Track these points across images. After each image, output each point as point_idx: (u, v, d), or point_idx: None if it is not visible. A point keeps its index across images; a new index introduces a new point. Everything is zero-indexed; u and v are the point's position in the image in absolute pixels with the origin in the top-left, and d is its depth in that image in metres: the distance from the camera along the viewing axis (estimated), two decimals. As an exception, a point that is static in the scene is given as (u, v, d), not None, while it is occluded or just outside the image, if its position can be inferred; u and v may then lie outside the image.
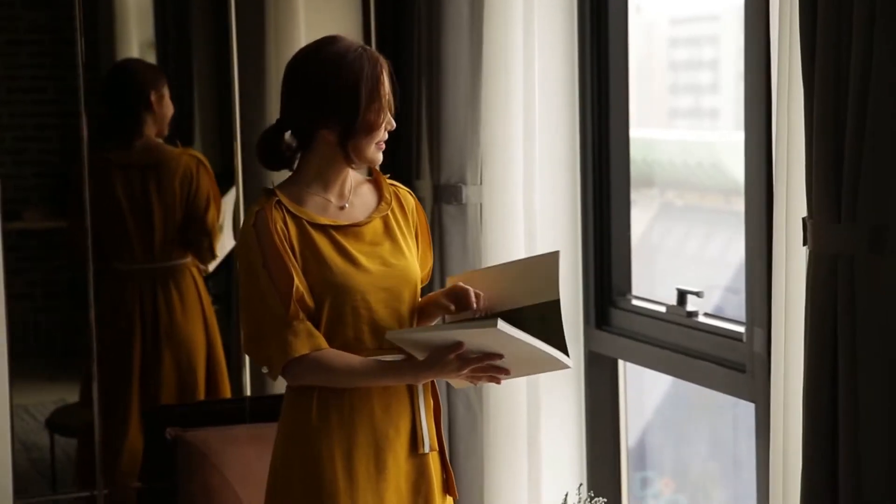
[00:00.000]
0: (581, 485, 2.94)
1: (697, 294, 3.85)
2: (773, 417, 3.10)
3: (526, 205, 4.06)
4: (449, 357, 2.91)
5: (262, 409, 4.08)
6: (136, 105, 4.76)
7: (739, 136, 3.48)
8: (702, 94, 4.87)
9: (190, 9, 5.11)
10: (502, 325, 2.79)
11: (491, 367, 2.93)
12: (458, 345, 2.90)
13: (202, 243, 4.79)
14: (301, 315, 2.96)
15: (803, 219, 2.82)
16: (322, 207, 3.05)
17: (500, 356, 2.91)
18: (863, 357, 2.70)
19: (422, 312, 3.15)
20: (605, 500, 3.03)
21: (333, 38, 3.05)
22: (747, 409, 3.81)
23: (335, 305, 2.99)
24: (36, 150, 4.93)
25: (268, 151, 3.06)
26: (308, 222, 3.01)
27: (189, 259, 4.81)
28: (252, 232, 2.98)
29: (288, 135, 3.06)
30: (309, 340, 2.96)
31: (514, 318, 2.95)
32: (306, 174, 3.06)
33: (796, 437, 3.01)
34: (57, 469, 4.85)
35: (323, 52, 3.02)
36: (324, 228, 3.02)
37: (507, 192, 4.07)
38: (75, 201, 4.70)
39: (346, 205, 3.07)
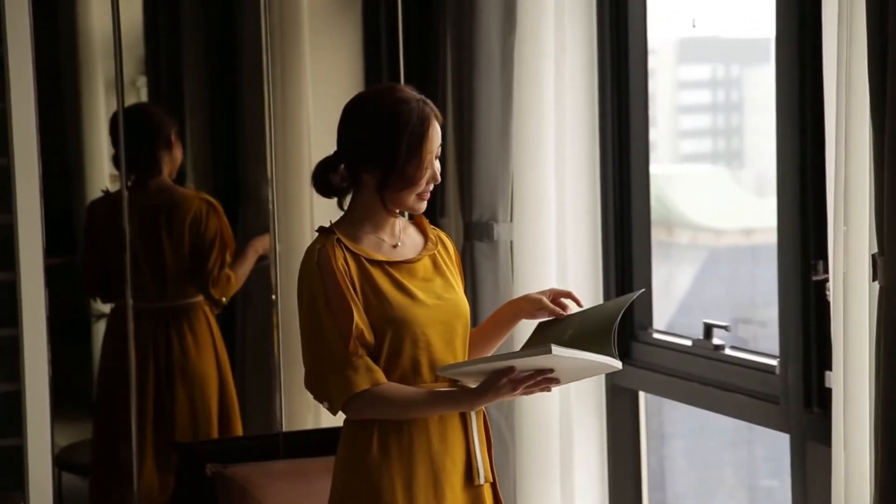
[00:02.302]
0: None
1: (725, 328, 3.87)
2: (835, 452, 3.07)
3: (558, 242, 4.05)
4: (502, 381, 2.86)
5: (295, 444, 4.03)
6: (155, 145, 4.71)
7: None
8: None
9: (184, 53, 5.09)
10: (556, 349, 2.76)
11: (544, 379, 2.90)
12: (510, 369, 2.86)
13: (203, 285, 4.75)
14: (360, 351, 2.91)
15: (873, 255, 2.83)
16: (376, 245, 3.01)
17: (551, 370, 2.88)
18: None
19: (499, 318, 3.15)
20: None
21: (394, 87, 3.02)
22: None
23: (395, 339, 2.95)
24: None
25: (320, 180, 3.04)
26: (366, 259, 2.97)
27: (201, 298, 4.76)
28: (316, 270, 2.93)
29: (342, 168, 3.02)
30: (368, 375, 2.91)
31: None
32: (357, 214, 3.02)
33: (862, 474, 2.98)
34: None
35: (379, 97, 2.98)
36: (380, 265, 2.98)
37: (538, 230, 4.02)
38: (89, 241, 4.64)
39: (399, 244, 3.05)
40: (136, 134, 4.61)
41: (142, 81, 4.92)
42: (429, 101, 2.99)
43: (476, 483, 3.03)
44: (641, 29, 4.13)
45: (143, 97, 4.83)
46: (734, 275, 5.07)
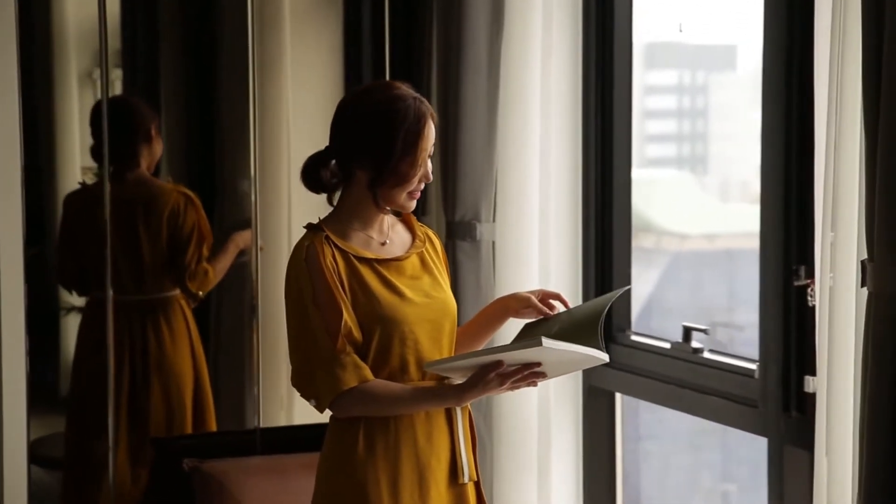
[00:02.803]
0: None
1: (704, 331, 3.86)
2: (818, 457, 3.05)
3: (540, 243, 4.04)
4: (490, 376, 2.85)
5: (271, 440, 4.00)
6: (135, 138, 4.66)
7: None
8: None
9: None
10: (546, 342, 2.75)
11: (530, 374, 2.88)
12: (498, 364, 2.84)
13: (180, 279, 4.70)
14: (348, 349, 2.88)
15: (863, 261, 2.82)
16: (365, 243, 2.98)
17: (539, 364, 2.87)
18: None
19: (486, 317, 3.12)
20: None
21: (390, 84, 2.99)
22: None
23: (383, 337, 2.92)
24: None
25: (308, 175, 2.99)
26: (354, 256, 2.94)
27: (178, 292, 4.72)
28: (304, 267, 2.90)
29: (333, 164, 2.99)
30: (356, 373, 2.88)
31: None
32: (346, 210, 2.99)
33: (844, 479, 2.96)
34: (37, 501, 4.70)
35: (375, 94, 2.96)
36: (369, 262, 2.95)
37: (520, 230, 4.00)
38: (65, 233, 4.60)
39: (387, 241, 3.03)
40: (117, 126, 4.56)
41: (115, 74, 4.86)
42: (424, 100, 2.96)
43: (460, 481, 3.01)
44: (627, 32, 4.12)
45: (118, 90, 4.77)
46: (697, 279, 5.07)
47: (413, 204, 3.00)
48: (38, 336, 4.66)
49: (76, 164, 4.90)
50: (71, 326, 4.92)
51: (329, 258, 2.92)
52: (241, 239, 4.76)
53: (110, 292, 4.50)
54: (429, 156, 2.95)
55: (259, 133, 4.72)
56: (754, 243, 4.83)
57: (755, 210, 4.88)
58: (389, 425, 2.94)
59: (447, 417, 3.00)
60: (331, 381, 2.89)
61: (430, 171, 2.97)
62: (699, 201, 5.08)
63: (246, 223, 4.81)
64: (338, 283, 2.91)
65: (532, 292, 3.08)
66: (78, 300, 4.82)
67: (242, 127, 4.82)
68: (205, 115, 5.03)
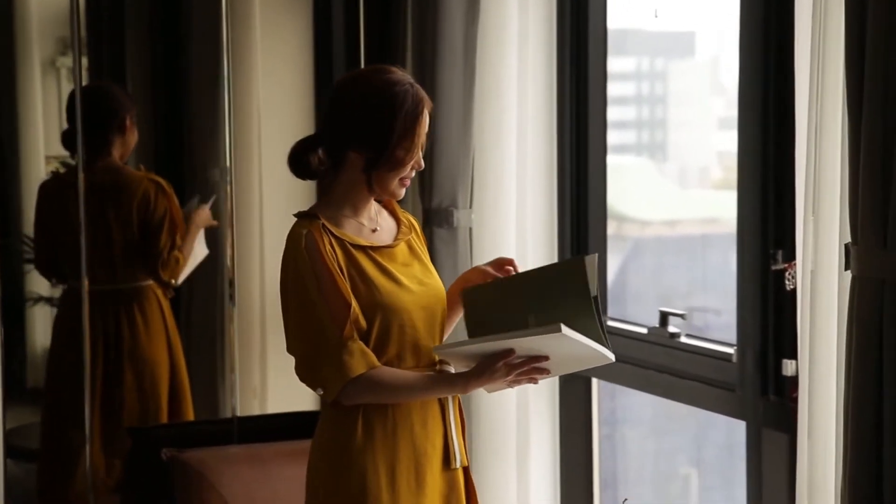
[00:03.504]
0: (626, 500, 2.90)
1: (681, 316, 3.86)
2: (800, 440, 3.03)
3: (517, 229, 4.03)
4: (498, 365, 2.82)
5: (248, 429, 3.97)
6: (109, 126, 4.61)
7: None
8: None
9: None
10: (566, 329, 2.70)
11: (534, 369, 2.87)
12: (508, 352, 2.82)
13: (153, 267, 4.66)
14: (355, 335, 2.85)
15: (846, 244, 2.82)
16: (357, 230, 2.95)
17: (546, 358, 2.84)
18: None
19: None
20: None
21: (386, 69, 2.94)
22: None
23: (383, 324, 2.89)
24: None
25: (296, 160, 2.95)
26: (350, 244, 2.90)
27: (152, 281, 4.67)
28: (304, 254, 2.85)
29: (321, 151, 2.95)
30: (364, 359, 2.85)
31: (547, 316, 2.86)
32: (337, 197, 2.95)
33: (826, 461, 2.97)
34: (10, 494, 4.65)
35: (373, 77, 2.91)
36: (364, 250, 2.92)
37: (497, 217, 3.98)
38: (39, 221, 4.54)
39: (378, 228, 3.00)
40: (91, 115, 4.51)
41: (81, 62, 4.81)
42: (419, 86, 2.93)
43: (453, 467, 3.00)
44: (601, 19, 4.11)
45: (84, 79, 4.72)
46: (659, 265, 5.07)
47: (403, 192, 2.97)
48: (3, 327, 4.63)
49: (40, 154, 4.86)
50: (38, 317, 4.88)
51: (328, 246, 2.88)
52: (200, 218, 4.72)
53: (85, 282, 4.45)
54: (422, 143, 2.93)
55: (231, 121, 4.68)
56: (715, 229, 4.84)
57: (715, 196, 4.89)
58: (387, 412, 2.92)
59: (440, 403, 2.99)
60: (339, 368, 2.85)
61: (421, 159, 2.95)
62: (659, 188, 5.08)
63: (216, 211, 4.78)
64: (338, 270, 2.87)
65: (489, 263, 3.06)
66: (45, 290, 4.78)
67: (213, 115, 4.79)
68: (173, 103, 4.99)
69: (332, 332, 2.85)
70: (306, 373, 2.91)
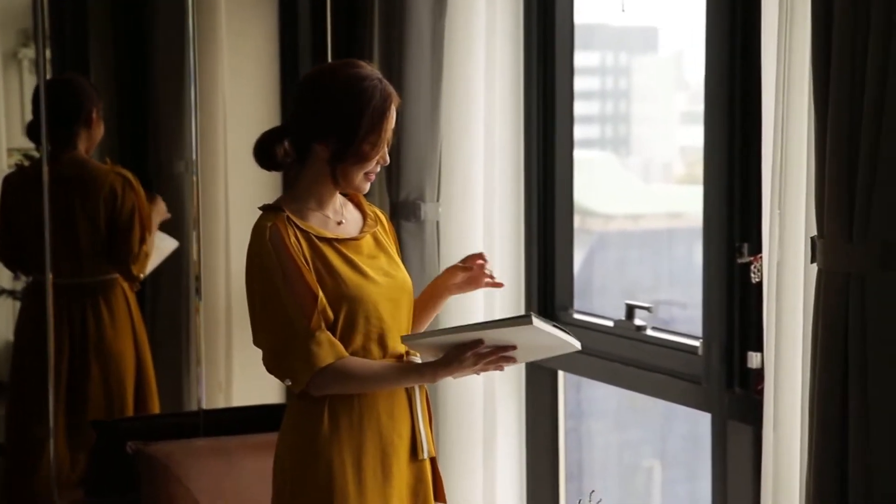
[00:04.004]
0: (592, 491, 2.91)
1: (647, 309, 3.86)
2: (766, 432, 3.04)
3: (485, 223, 4.02)
4: (466, 355, 2.84)
5: (214, 421, 3.95)
6: (74, 119, 4.58)
7: None
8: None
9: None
10: (536, 321, 2.73)
11: (501, 357, 2.88)
12: (477, 342, 2.84)
13: (123, 262, 4.63)
14: (322, 326, 2.86)
15: (812, 238, 2.82)
16: (323, 222, 2.96)
17: (514, 347, 2.86)
18: (874, 374, 2.63)
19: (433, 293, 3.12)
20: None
21: (355, 63, 2.96)
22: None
23: (349, 316, 2.90)
24: None
25: (262, 151, 2.96)
26: (315, 236, 2.91)
27: (120, 275, 4.64)
28: (269, 247, 2.86)
29: (287, 142, 2.96)
30: (332, 349, 2.86)
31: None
32: (302, 190, 2.96)
33: (791, 453, 2.98)
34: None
35: (341, 72, 2.92)
36: (329, 242, 2.93)
37: (465, 211, 3.97)
38: (4, 214, 4.51)
39: (343, 220, 3.01)
40: (57, 107, 4.49)
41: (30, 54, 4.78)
42: (387, 82, 2.94)
43: (420, 458, 3.01)
44: (568, 13, 4.10)
45: (48, 71, 4.68)
46: (622, 259, 5.09)
47: (367, 186, 2.99)
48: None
49: (2, 147, 4.82)
50: (0, 309, 4.85)
51: (293, 238, 2.89)
52: (157, 213, 4.70)
53: (49, 275, 4.42)
54: (389, 138, 2.93)
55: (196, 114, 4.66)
56: (679, 223, 4.86)
57: (678, 191, 4.90)
58: (353, 404, 2.93)
59: (406, 394, 3.00)
60: (307, 359, 2.86)
61: (387, 154, 2.95)
62: (623, 182, 5.10)
63: (181, 204, 4.75)
64: (304, 262, 2.87)
65: (460, 261, 3.10)
66: (7, 283, 4.75)
67: (178, 108, 4.77)
68: (137, 95, 4.96)
69: (300, 323, 2.86)
70: (274, 364, 2.91)
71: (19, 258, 4.61)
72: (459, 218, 4.01)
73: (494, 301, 4.00)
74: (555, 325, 2.84)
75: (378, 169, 2.96)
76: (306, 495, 2.91)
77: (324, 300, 2.87)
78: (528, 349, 2.91)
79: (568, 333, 2.87)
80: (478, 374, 2.96)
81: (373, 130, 2.90)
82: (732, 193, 3.39)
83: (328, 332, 2.87)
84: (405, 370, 2.94)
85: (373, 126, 2.90)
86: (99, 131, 4.63)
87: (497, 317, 3.82)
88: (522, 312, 2.91)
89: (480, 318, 3.91)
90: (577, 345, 2.90)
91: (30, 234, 4.48)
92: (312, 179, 2.96)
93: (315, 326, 2.86)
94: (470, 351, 2.85)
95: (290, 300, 2.85)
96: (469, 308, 3.92)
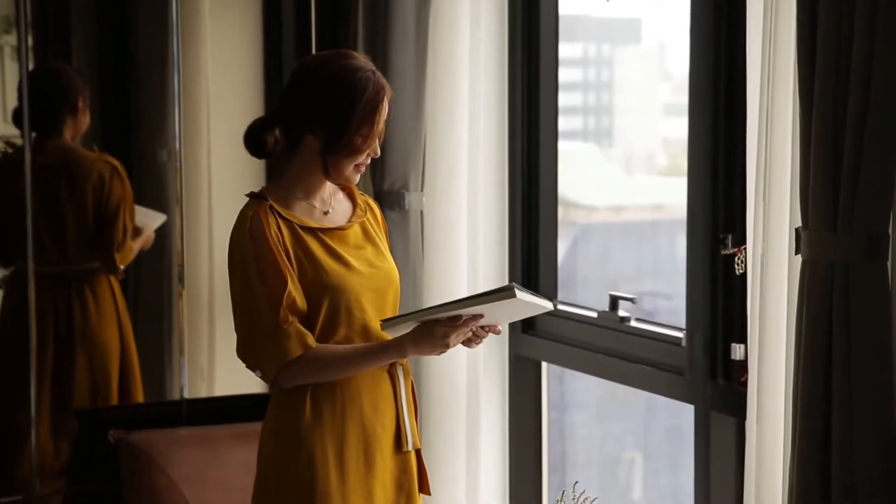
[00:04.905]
0: (576, 482, 2.91)
1: (631, 300, 3.86)
2: (749, 424, 3.05)
3: (469, 212, 4.02)
4: (436, 328, 2.83)
5: (197, 411, 3.95)
6: (61, 107, 4.56)
7: None
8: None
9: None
10: (519, 293, 2.74)
11: (479, 329, 2.88)
12: (454, 319, 2.83)
13: (107, 251, 4.62)
14: (291, 318, 2.84)
15: (797, 229, 2.82)
16: (308, 212, 2.94)
17: (481, 316, 2.85)
18: (857, 365, 2.65)
19: None
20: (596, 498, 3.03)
21: (348, 53, 2.95)
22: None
23: (331, 306, 2.89)
24: None
25: (252, 139, 2.94)
26: (298, 226, 2.90)
27: (103, 265, 4.63)
28: (248, 237, 2.85)
29: (277, 131, 2.95)
30: (299, 341, 2.85)
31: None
32: (290, 179, 2.95)
33: (775, 444, 2.98)
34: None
35: (334, 62, 2.91)
36: (313, 232, 2.92)
37: (449, 200, 3.96)
38: None
39: (330, 210, 3.00)
40: (42, 94, 4.47)
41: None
42: (380, 74, 2.93)
43: (405, 449, 3.00)
44: (553, 3, 4.09)
45: (30, 58, 4.66)
46: (605, 251, 5.09)
47: (357, 177, 2.98)
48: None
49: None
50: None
51: (273, 228, 2.88)
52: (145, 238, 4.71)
53: (31, 263, 4.40)
54: (381, 131, 2.92)
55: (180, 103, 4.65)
56: (661, 215, 4.86)
57: (661, 182, 4.91)
58: (336, 393, 2.92)
59: (392, 385, 2.99)
60: (275, 351, 2.86)
61: (378, 147, 2.94)
62: (605, 174, 5.10)
63: (163, 192, 4.74)
64: (283, 252, 2.86)
65: None
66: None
67: (161, 96, 4.76)
68: (120, 83, 4.94)
69: (268, 315, 2.85)
70: (245, 354, 2.92)
71: (2, 246, 4.58)
72: (444, 208, 4.00)
73: (479, 287, 3.99)
74: (532, 293, 2.85)
75: (368, 161, 2.95)
76: (288, 484, 2.91)
77: (293, 293, 2.85)
78: (501, 317, 2.92)
79: (541, 297, 2.89)
80: (449, 347, 2.90)
81: (365, 123, 2.89)
82: (717, 184, 3.40)
83: (297, 325, 2.86)
84: (371, 349, 2.91)
85: (365, 118, 2.89)
86: (85, 120, 4.61)
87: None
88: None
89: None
90: (550, 306, 2.91)
91: (14, 221, 4.46)
92: (301, 169, 2.95)
93: (284, 318, 2.85)
94: (441, 325, 2.84)
95: (261, 292, 2.85)
96: (454, 293, 3.92)
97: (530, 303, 2.83)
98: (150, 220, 4.74)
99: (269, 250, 2.85)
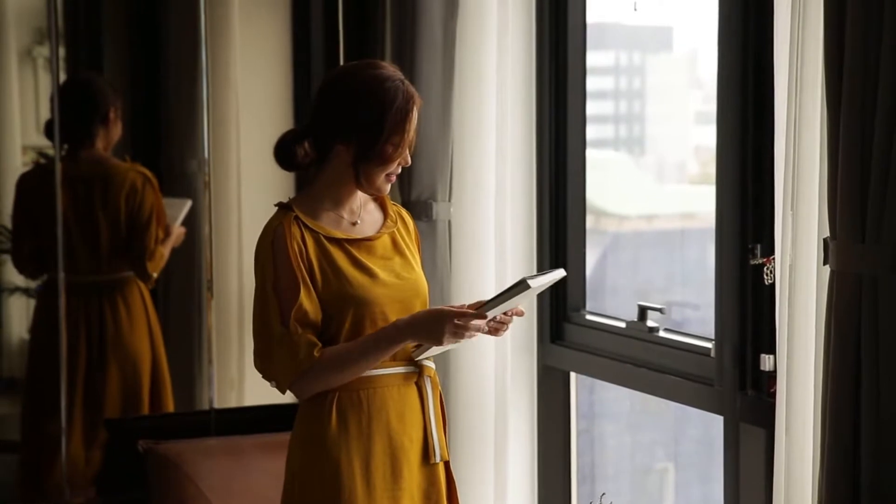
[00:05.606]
0: (603, 494, 2.90)
1: (660, 310, 3.85)
2: (778, 435, 3.02)
3: (497, 223, 4.02)
4: (444, 322, 2.84)
5: (226, 421, 3.96)
6: (92, 118, 4.59)
7: None
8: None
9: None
10: (531, 281, 2.78)
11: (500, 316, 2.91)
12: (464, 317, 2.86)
13: (139, 259, 4.64)
14: (301, 330, 2.85)
15: (825, 239, 2.82)
16: (335, 222, 2.96)
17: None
18: (886, 375, 2.62)
19: None
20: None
21: (377, 63, 2.97)
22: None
23: (356, 318, 2.90)
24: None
25: (282, 151, 2.96)
26: (324, 237, 2.91)
27: (134, 273, 4.66)
28: (269, 249, 2.87)
29: (307, 143, 2.96)
30: (308, 353, 2.86)
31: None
32: (319, 189, 2.96)
33: (804, 456, 2.96)
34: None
35: (363, 73, 2.93)
36: (339, 242, 2.93)
37: (476, 210, 3.96)
38: (20, 214, 4.52)
39: (358, 221, 3.00)
40: (75, 106, 4.51)
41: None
42: (409, 83, 2.95)
43: (432, 461, 3.00)
44: (581, 12, 4.09)
45: (63, 69, 4.71)
46: (636, 260, 5.08)
47: (388, 187, 3.00)
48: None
49: (17, 145, 4.84)
50: (14, 307, 4.86)
51: (297, 239, 2.89)
52: (175, 225, 4.72)
53: (62, 273, 4.43)
54: (411, 140, 2.93)
55: (210, 114, 4.67)
56: (693, 224, 4.85)
57: (692, 191, 4.90)
58: (362, 405, 2.92)
59: (419, 397, 2.99)
60: (288, 363, 2.87)
61: (409, 156, 2.95)
62: (637, 182, 5.09)
63: (193, 202, 4.76)
64: (303, 265, 2.88)
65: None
66: (22, 281, 4.76)
67: (191, 106, 4.78)
68: (151, 94, 4.97)
69: (278, 328, 2.87)
70: (260, 366, 2.94)
71: (38, 256, 4.61)
72: (471, 218, 4.00)
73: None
74: (542, 273, 2.89)
75: (399, 170, 2.96)
76: (315, 495, 2.92)
77: (306, 305, 2.86)
78: (523, 303, 2.98)
79: (552, 270, 2.93)
80: (443, 344, 2.91)
81: (395, 132, 2.90)
82: (745, 194, 3.38)
83: (308, 335, 2.87)
84: (369, 338, 2.90)
85: (395, 127, 2.90)
86: (116, 130, 4.65)
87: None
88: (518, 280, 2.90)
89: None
90: (563, 273, 2.96)
91: (49, 231, 4.49)
92: (331, 179, 2.96)
93: (293, 331, 2.86)
94: (450, 320, 2.84)
95: (275, 305, 2.87)
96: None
97: (546, 283, 2.89)
98: (175, 209, 4.76)
99: (287, 262, 2.87)
